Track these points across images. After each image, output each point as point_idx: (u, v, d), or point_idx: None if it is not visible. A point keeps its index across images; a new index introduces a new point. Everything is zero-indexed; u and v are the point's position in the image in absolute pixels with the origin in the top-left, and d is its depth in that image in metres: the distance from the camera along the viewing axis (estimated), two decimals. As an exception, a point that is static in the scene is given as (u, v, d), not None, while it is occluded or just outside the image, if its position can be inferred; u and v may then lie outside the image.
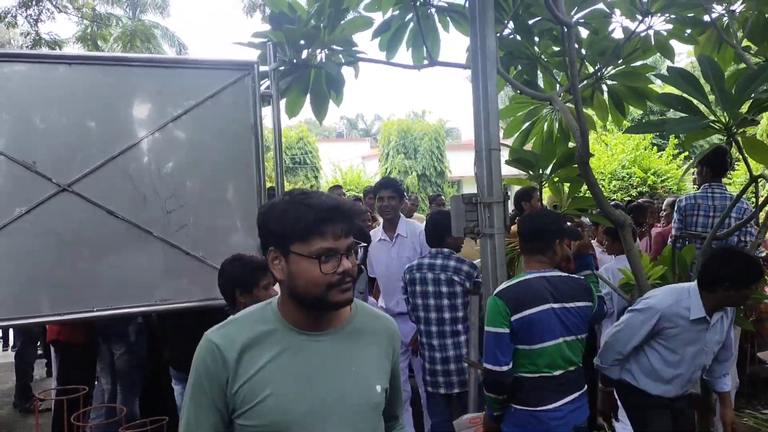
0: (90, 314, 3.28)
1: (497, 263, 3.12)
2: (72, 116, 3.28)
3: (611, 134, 15.99)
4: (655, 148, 15.90)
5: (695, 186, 15.07)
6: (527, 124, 4.38)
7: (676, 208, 4.45)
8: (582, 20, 3.77)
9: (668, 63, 4.25)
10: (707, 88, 2.79)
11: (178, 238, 3.37)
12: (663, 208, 6.29)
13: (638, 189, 14.53)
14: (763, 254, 5.31)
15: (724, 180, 4.47)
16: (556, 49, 4.05)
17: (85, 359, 4.15)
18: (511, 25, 3.86)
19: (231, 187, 3.52)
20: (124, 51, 18.32)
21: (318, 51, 3.71)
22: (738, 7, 3.73)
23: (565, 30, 3.75)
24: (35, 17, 11.03)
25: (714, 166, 4.20)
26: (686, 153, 17.18)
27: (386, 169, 24.43)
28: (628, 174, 14.99)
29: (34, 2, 10.80)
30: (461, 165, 26.12)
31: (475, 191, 3.15)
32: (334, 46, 3.74)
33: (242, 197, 3.53)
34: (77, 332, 4.06)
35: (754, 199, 3.37)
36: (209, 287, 3.36)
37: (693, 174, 15.67)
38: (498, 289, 2.72)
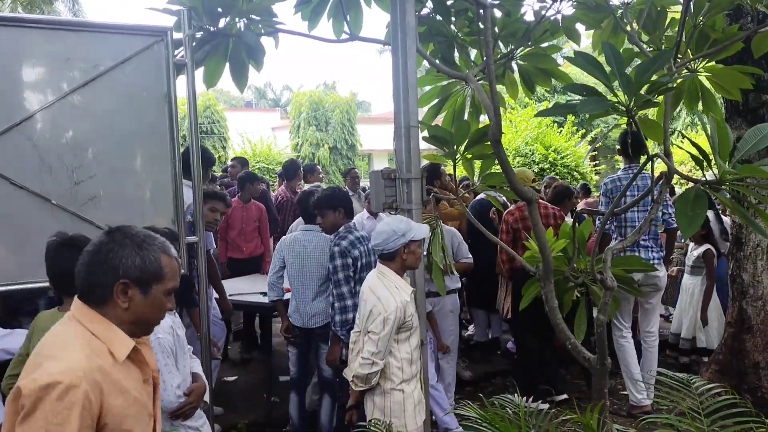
0: (-9, 289, 3.11)
1: (415, 236, 3.22)
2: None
3: (516, 112, 16.58)
4: (555, 125, 16.66)
5: (591, 164, 15.85)
6: (438, 99, 4.52)
7: (602, 190, 4.79)
8: (497, 2, 3.90)
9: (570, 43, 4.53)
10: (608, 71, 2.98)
11: (88, 211, 3.23)
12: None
13: (540, 165, 15.20)
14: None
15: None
16: (471, 29, 4.18)
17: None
18: (429, 4, 3.95)
19: (144, 158, 3.39)
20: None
21: (236, 20, 3.62)
22: (633, -1, 4.00)
23: (481, 11, 3.89)
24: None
25: (630, 150, 4.58)
26: (583, 131, 18.15)
27: (297, 141, 24.16)
28: (531, 150, 15.64)
29: None
30: (372, 138, 26.27)
31: (386, 165, 3.24)
32: (253, 16, 3.66)
33: (156, 168, 3.41)
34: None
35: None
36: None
37: (589, 152, 16.39)
38: None
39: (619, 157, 19.78)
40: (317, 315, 4.11)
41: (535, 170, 14.83)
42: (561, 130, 16.39)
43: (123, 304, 1.58)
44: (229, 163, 8.00)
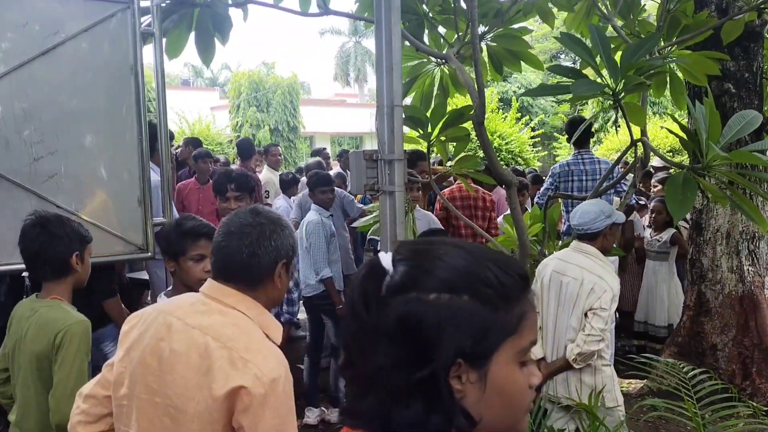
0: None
1: (396, 220, 3.14)
2: None
3: (463, 96, 16.65)
4: (500, 111, 16.85)
5: (532, 150, 16.14)
6: (407, 80, 4.45)
7: (549, 173, 4.82)
8: (471, -18, 3.84)
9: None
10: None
11: (47, 189, 3.00)
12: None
13: (485, 150, 15.37)
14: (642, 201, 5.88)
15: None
16: (443, 7, 4.12)
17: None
18: (402, -20, 3.85)
19: (109, 134, 3.16)
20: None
21: (205, -11, 3.43)
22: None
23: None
24: None
25: (579, 138, 4.61)
26: (526, 118, 18.46)
27: (237, 122, 23.56)
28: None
29: None
30: (314, 120, 25.89)
31: (329, 148, 3.13)
32: (223, -15, 3.48)
33: (121, 144, 3.19)
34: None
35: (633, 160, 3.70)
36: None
37: (531, 139, 16.66)
38: None
39: (557, 144, 20.15)
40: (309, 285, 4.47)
41: (481, 155, 14.93)
42: (506, 116, 16.60)
43: (279, 284, 1.58)
44: (179, 144, 7.55)
